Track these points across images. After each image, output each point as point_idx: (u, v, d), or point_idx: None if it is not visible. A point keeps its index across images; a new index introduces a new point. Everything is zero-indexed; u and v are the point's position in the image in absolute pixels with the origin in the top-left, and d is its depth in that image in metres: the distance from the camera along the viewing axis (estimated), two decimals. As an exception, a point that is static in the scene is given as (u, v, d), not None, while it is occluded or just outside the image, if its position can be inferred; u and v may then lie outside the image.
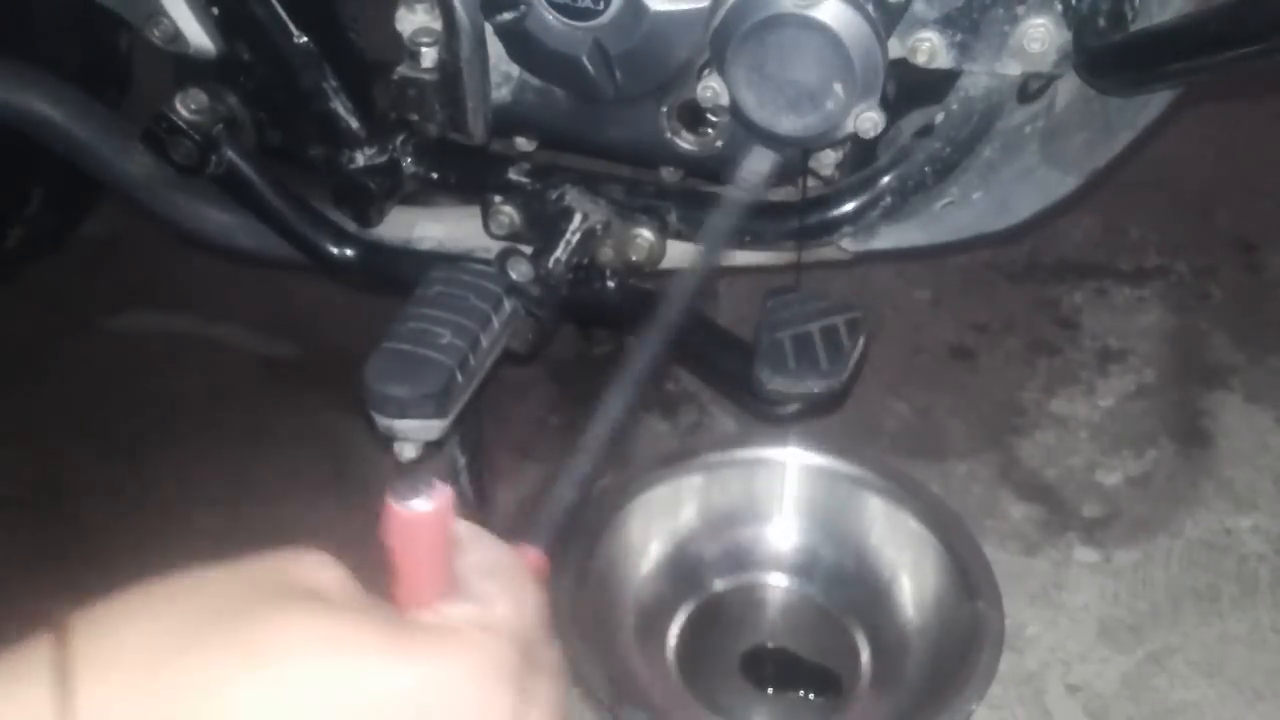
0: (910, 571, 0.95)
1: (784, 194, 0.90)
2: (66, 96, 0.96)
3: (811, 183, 0.90)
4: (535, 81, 0.84)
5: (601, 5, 0.76)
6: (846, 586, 0.96)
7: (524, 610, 0.40)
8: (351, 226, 0.96)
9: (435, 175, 0.93)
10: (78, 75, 1.03)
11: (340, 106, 0.90)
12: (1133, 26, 0.76)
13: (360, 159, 0.92)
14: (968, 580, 0.91)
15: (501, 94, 0.86)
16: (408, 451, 0.83)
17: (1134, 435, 1.14)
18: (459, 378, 0.79)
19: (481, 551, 0.42)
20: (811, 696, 0.91)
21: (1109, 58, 0.76)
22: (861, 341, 0.86)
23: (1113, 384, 1.19)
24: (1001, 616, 0.90)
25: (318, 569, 0.38)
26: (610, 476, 1.07)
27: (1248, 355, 1.21)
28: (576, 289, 0.91)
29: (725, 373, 0.95)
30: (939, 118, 0.83)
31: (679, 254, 0.91)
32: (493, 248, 0.91)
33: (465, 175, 0.93)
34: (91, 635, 0.34)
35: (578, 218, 0.89)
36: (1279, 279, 1.30)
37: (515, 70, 0.84)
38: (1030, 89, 0.81)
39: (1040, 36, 0.75)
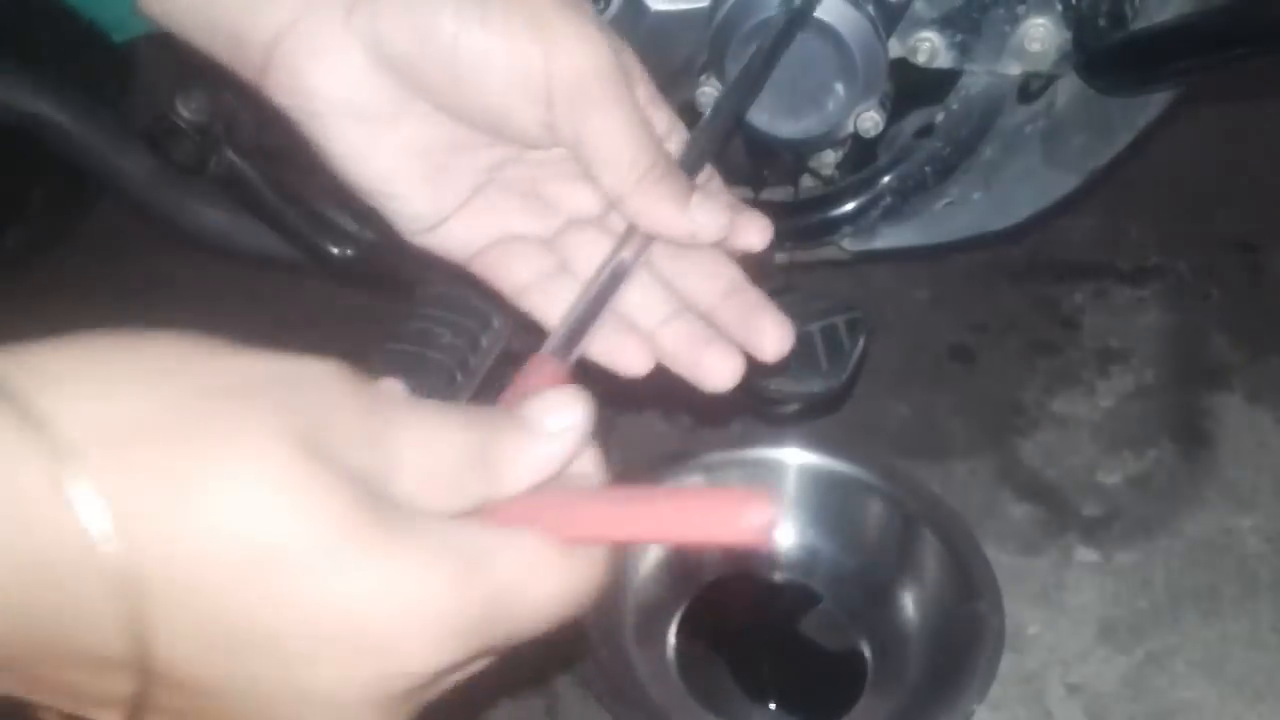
0: (910, 571, 0.95)
1: (782, 194, 0.90)
2: (67, 96, 0.96)
3: (811, 183, 0.90)
4: (535, 81, 0.84)
5: (602, 5, 0.76)
6: (846, 586, 0.96)
7: (534, 596, 0.33)
8: (352, 226, 0.96)
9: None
10: (78, 75, 1.03)
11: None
12: (1133, 26, 0.76)
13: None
14: (968, 580, 0.92)
15: (501, 94, 0.86)
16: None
17: (1134, 435, 1.14)
18: (459, 378, 0.79)
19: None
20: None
21: (1109, 58, 0.76)
22: (861, 341, 0.86)
23: (1113, 384, 1.19)
24: (1001, 616, 0.90)
25: (332, 390, 0.32)
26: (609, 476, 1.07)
27: (1248, 355, 1.21)
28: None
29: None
30: (939, 118, 0.83)
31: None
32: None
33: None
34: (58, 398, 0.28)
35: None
36: (1279, 279, 1.30)
37: (515, 70, 0.84)
38: (1030, 89, 0.81)
39: (1040, 36, 0.75)
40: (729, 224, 0.44)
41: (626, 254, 0.44)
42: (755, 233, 0.45)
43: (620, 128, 0.42)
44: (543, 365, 0.41)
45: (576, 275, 0.45)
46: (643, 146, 0.43)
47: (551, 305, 0.45)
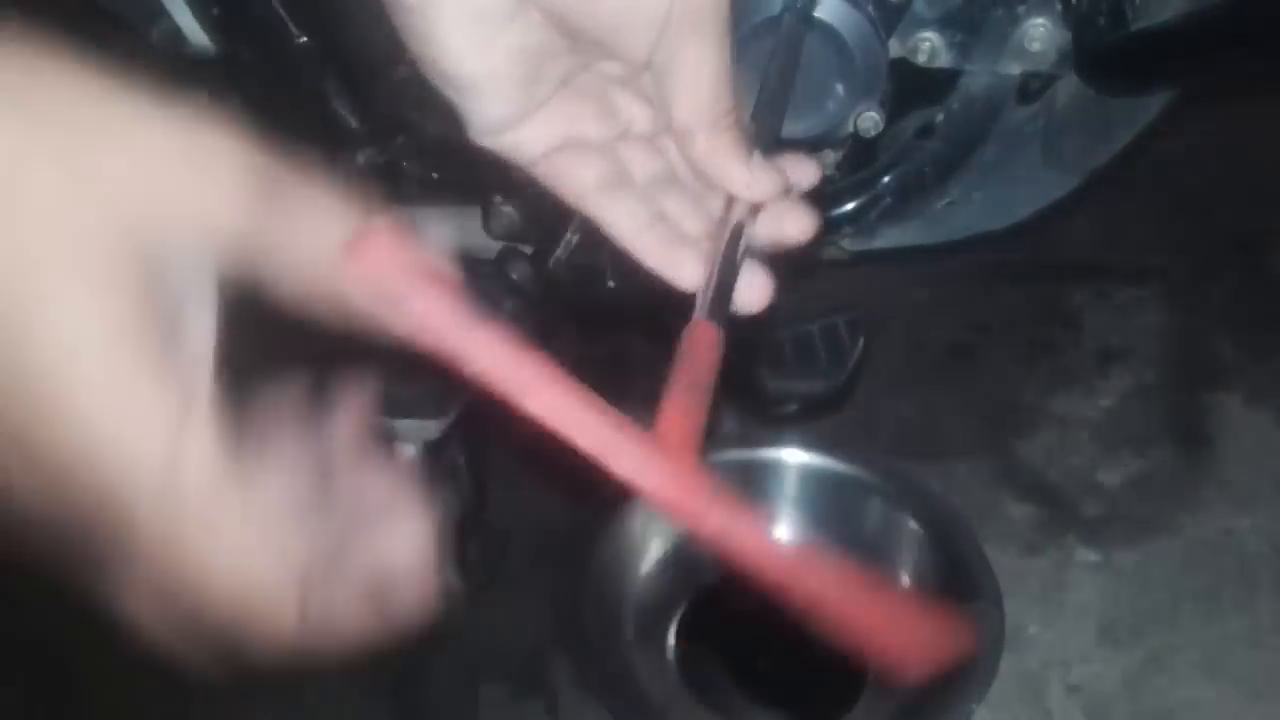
0: (910, 571, 0.95)
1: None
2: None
3: (811, 183, 0.90)
4: (535, 81, 0.84)
5: (602, 5, 0.76)
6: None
7: None
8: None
9: (435, 175, 0.93)
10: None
11: (340, 106, 0.90)
12: (1133, 26, 0.76)
13: (360, 159, 0.92)
14: (968, 580, 0.91)
15: (502, 94, 0.86)
16: (407, 450, 0.83)
17: (1134, 435, 1.14)
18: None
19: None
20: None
21: (1109, 58, 0.76)
22: (861, 341, 0.86)
23: (1113, 384, 1.19)
24: (1002, 616, 0.90)
25: None
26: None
27: (1248, 355, 1.21)
28: (577, 289, 0.91)
29: (725, 373, 0.95)
30: (939, 118, 0.83)
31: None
32: (493, 248, 0.91)
33: (465, 175, 0.93)
34: None
35: (579, 218, 0.88)
36: (1279, 279, 1.30)
37: (515, 70, 0.84)
38: (1030, 89, 0.81)
39: (1040, 36, 0.75)
40: (782, 186, 0.46)
41: (738, 214, 0.45)
42: (796, 222, 0.47)
43: (713, 64, 0.44)
44: (699, 330, 0.43)
45: (635, 184, 0.47)
46: (725, 89, 0.45)
47: (612, 211, 0.47)
